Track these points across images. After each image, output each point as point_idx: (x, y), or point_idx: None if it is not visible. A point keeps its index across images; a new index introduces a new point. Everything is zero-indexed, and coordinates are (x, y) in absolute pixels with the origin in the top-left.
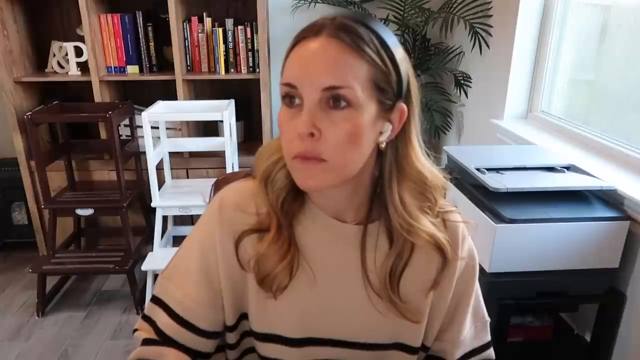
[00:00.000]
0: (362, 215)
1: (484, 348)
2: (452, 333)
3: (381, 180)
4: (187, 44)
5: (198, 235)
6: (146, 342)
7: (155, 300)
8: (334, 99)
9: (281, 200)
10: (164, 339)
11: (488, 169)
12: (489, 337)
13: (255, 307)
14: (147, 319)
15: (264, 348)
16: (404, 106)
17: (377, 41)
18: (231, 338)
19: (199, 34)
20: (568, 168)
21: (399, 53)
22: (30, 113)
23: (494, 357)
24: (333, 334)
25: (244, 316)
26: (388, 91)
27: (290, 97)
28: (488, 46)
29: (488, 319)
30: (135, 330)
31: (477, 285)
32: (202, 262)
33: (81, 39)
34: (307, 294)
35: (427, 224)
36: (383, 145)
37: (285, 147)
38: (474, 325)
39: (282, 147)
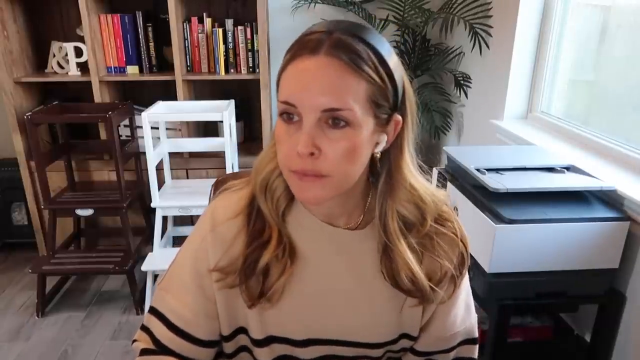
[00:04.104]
0: (355, 219)
1: (465, 343)
2: (441, 331)
3: (373, 189)
4: (187, 44)
5: (191, 247)
6: (144, 352)
7: (153, 310)
8: (333, 119)
9: (282, 211)
10: (161, 349)
11: (488, 170)
12: (475, 334)
13: (252, 315)
14: (145, 329)
15: (267, 352)
16: (399, 117)
17: (374, 58)
18: (228, 348)
19: (199, 34)
20: (568, 168)
21: (394, 64)
22: (30, 113)
23: (474, 356)
24: (335, 335)
25: (240, 330)
26: (385, 106)
27: (288, 114)
28: (488, 46)
29: (476, 315)
30: (134, 340)
31: (466, 287)
32: (195, 273)
33: (81, 39)
34: (303, 297)
35: (405, 250)
36: (378, 155)
37: (282, 161)
38: (464, 326)
39: (278, 159)
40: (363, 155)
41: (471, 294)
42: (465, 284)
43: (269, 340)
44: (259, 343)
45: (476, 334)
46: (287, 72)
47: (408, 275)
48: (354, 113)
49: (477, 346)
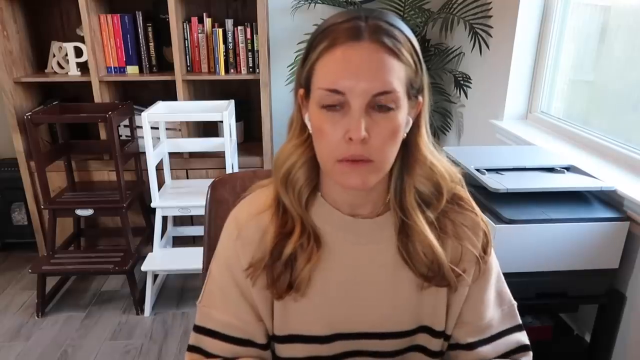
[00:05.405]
0: (378, 208)
1: (512, 330)
2: (473, 317)
3: (391, 169)
4: (187, 45)
5: (222, 259)
6: None
7: (200, 329)
8: (379, 104)
9: (305, 200)
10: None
11: (488, 170)
12: (519, 320)
13: (277, 311)
14: (196, 349)
15: (288, 349)
16: (421, 99)
17: (408, 42)
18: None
19: (199, 35)
20: (568, 169)
21: (418, 47)
22: (30, 113)
23: (526, 342)
24: (359, 328)
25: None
26: (415, 88)
27: (331, 103)
28: (488, 47)
29: (515, 302)
30: None
31: (496, 270)
32: (235, 282)
33: (81, 39)
34: (328, 287)
35: (422, 223)
36: (404, 137)
37: (327, 152)
38: (500, 309)
39: (320, 151)
40: (400, 138)
41: (503, 279)
42: (494, 266)
43: (290, 339)
44: (280, 340)
45: (526, 340)
46: (327, 61)
47: (426, 252)
48: (399, 95)
49: (531, 353)
